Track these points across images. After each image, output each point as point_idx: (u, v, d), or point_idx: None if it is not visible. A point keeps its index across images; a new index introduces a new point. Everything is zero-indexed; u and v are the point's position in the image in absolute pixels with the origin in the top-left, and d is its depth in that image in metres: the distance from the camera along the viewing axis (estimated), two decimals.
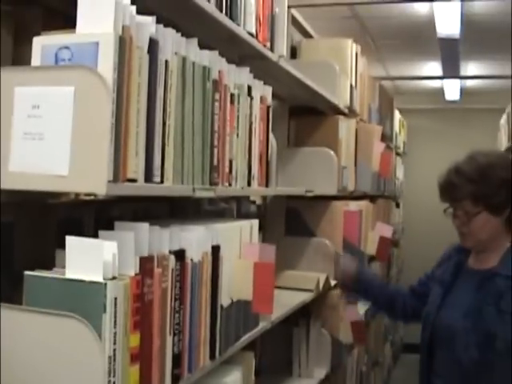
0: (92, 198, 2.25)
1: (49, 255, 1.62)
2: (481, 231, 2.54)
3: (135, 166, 1.53)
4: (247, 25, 2.31)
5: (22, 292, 1.51)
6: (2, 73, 1.49)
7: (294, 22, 4.09)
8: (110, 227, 1.60)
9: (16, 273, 1.60)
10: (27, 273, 1.49)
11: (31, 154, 1.45)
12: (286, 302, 2.93)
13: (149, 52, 1.60)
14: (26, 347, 1.46)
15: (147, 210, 2.33)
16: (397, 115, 7.06)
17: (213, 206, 3.04)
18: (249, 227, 2.27)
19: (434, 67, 7.22)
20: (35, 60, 1.53)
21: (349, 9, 5.12)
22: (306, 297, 3.14)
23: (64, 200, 2.08)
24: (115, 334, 1.44)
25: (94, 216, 2.12)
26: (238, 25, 2.23)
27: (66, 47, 1.49)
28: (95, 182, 1.38)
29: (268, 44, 2.54)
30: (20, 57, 1.73)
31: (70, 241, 1.45)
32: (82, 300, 1.42)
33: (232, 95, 2.10)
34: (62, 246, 1.52)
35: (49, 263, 1.58)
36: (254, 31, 2.36)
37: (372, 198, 4.64)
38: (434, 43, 5.87)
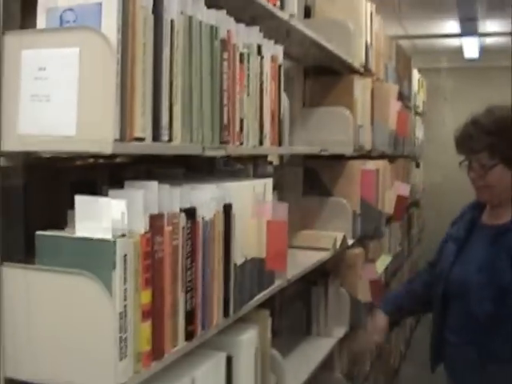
0: (105, 160, 2.29)
1: (61, 217, 1.64)
2: (496, 184, 2.55)
3: (142, 125, 1.55)
4: None
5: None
6: (9, 37, 1.51)
7: None
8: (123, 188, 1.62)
9: (29, 234, 1.63)
10: (38, 232, 1.52)
11: (39, 115, 1.47)
12: (303, 261, 2.95)
13: (153, 12, 1.60)
14: (38, 306, 1.49)
15: (162, 172, 2.35)
16: (415, 75, 7.00)
17: (228, 166, 3.04)
18: (262, 186, 2.28)
19: (452, 25, 7.16)
20: (40, 23, 1.54)
21: None
22: (323, 256, 3.16)
23: (77, 163, 2.11)
24: (125, 290, 1.46)
25: (107, 178, 2.14)
26: None
27: (70, 9, 1.50)
28: (102, 142, 1.40)
29: (278, 3, 2.53)
30: (28, 21, 1.74)
31: (79, 200, 1.48)
32: (92, 258, 1.45)
33: (241, 54, 2.10)
34: (74, 208, 1.54)
35: (61, 225, 1.60)
36: None
37: (391, 158, 4.63)
38: (452, 0, 5.81)
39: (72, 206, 1.56)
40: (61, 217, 1.65)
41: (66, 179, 1.96)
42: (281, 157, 3.83)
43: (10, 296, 1.52)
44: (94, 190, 2.03)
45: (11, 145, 1.50)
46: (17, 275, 1.52)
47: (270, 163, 3.82)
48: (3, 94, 1.51)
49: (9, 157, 1.54)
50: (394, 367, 5.72)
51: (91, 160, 2.22)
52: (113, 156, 2.30)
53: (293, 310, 3.54)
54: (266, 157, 3.78)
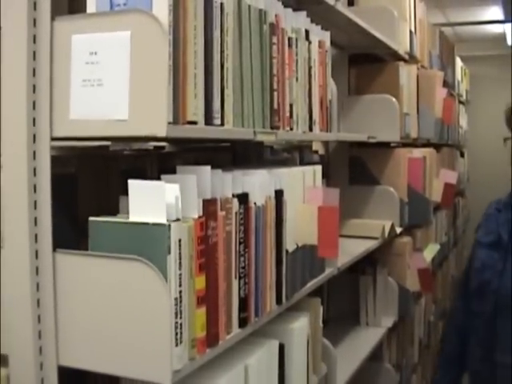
0: (155, 148, 2.28)
1: (112, 204, 1.64)
2: None
3: (195, 108, 1.53)
4: None
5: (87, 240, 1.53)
6: (58, 22, 1.50)
7: None
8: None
9: (80, 222, 1.62)
10: (92, 218, 1.51)
11: (91, 100, 1.45)
12: (351, 249, 2.92)
13: None
14: (91, 292, 1.48)
15: (210, 159, 2.34)
16: (458, 63, 6.91)
17: (275, 156, 3.03)
18: (312, 172, 2.26)
19: (495, 12, 7.06)
20: (90, 7, 1.53)
21: None
22: (371, 244, 3.12)
23: (127, 151, 2.10)
24: (180, 275, 1.45)
25: (157, 166, 2.13)
26: None
27: None
28: (155, 125, 1.38)
29: None
30: (76, 7, 1.73)
31: (133, 184, 1.46)
32: (147, 243, 1.43)
33: (290, 39, 2.08)
34: (126, 194, 1.53)
35: (112, 212, 1.59)
36: None
37: (436, 147, 4.57)
38: None
39: (123, 193, 1.55)
40: (112, 204, 1.64)
41: (116, 167, 1.95)
42: (326, 146, 3.81)
43: (64, 283, 1.51)
44: (144, 177, 2.03)
45: (63, 130, 1.49)
46: (70, 262, 1.50)
47: (316, 152, 3.80)
48: (54, 79, 1.50)
49: (59, 145, 1.54)
50: None
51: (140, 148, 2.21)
52: (161, 147, 2.29)
53: (341, 300, 3.52)
54: (311, 146, 3.76)
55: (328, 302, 3.47)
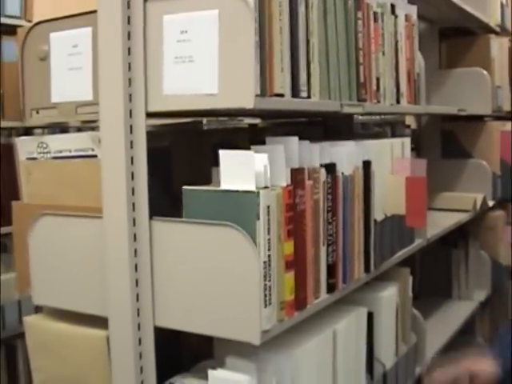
0: (249, 122, 2.35)
1: (205, 175, 1.72)
2: None
3: (281, 81, 1.59)
4: None
5: (181, 209, 1.61)
6: (150, 3, 1.58)
7: None
8: None
9: (175, 193, 1.71)
10: (185, 187, 1.59)
11: (182, 76, 1.53)
12: (442, 222, 2.94)
13: None
14: (186, 257, 1.57)
15: (300, 133, 2.40)
16: None
17: (366, 130, 3.07)
18: (400, 144, 2.30)
19: None
20: None
21: None
22: (463, 217, 3.14)
23: (219, 126, 2.19)
24: (269, 240, 1.52)
25: (248, 140, 2.20)
26: None
27: None
28: (243, 97, 1.45)
29: None
30: None
31: (224, 154, 1.54)
32: (237, 209, 1.51)
33: (375, 13, 2.12)
34: (217, 166, 1.61)
35: (205, 182, 1.67)
36: None
37: None
38: None
39: (215, 165, 1.63)
40: (205, 175, 1.72)
41: (208, 141, 2.04)
42: (418, 120, 3.82)
43: (160, 249, 1.61)
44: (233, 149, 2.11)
45: (158, 105, 1.58)
46: (166, 229, 1.60)
47: (408, 126, 3.82)
48: (148, 57, 1.58)
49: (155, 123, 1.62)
50: None
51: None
52: (253, 125, 2.37)
53: (433, 273, 3.55)
54: (403, 121, 3.79)
55: (421, 275, 3.50)
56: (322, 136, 2.64)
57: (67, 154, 1.79)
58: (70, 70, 1.76)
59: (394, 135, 3.45)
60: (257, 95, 1.46)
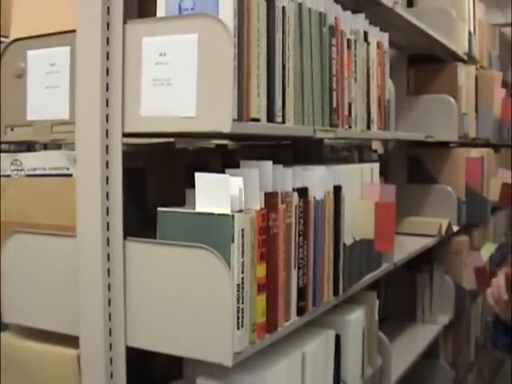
0: (217, 146, 2.38)
1: (178, 197, 1.73)
2: None
3: (258, 106, 1.62)
4: None
5: (155, 229, 1.62)
6: (130, 25, 1.60)
7: None
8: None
9: (148, 213, 1.73)
10: (160, 209, 1.60)
11: (160, 98, 1.55)
12: (408, 246, 2.98)
13: None
14: (159, 278, 1.58)
15: (271, 156, 2.42)
16: None
17: (335, 154, 3.11)
18: (369, 170, 2.33)
19: None
20: (160, 11, 1.63)
21: None
22: (428, 242, 3.18)
23: (192, 147, 2.20)
24: (243, 263, 1.53)
25: (220, 162, 2.23)
26: None
27: None
28: (221, 121, 1.47)
29: None
30: (146, 10, 1.84)
31: (199, 177, 1.56)
32: (211, 232, 1.52)
33: (348, 40, 2.16)
34: (191, 186, 1.63)
35: (178, 203, 1.69)
36: None
37: (494, 147, 4.58)
38: None
39: (188, 186, 1.65)
40: (177, 196, 1.73)
41: (180, 162, 2.05)
42: (385, 145, 3.87)
43: (134, 269, 1.61)
44: (208, 172, 2.13)
45: (134, 126, 1.60)
46: (140, 249, 1.61)
47: (375, 151, 3.87)
48: (126, 78, 1.60)
49: (129, 142, 1.64)
50: (499, 359, 5.65)
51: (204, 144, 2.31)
52: (224, 145, 2.39)
53: (398, 296, 3.58)
54: (370, 145, 3.83)
55: (385, 298, 3.53)
56: (292, 159, 2.66)
57: (41, 171, 1.79)
58: (46, 88, 1.76)
59: (361, 160, 3.49)
60: (234, 119, 1.48)
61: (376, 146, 4.06)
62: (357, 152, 3.51)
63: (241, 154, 2.41)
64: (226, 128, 1.47)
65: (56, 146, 1.94)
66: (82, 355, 1.67)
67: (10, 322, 1.85)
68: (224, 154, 2.30)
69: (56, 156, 1.77)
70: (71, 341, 1.69)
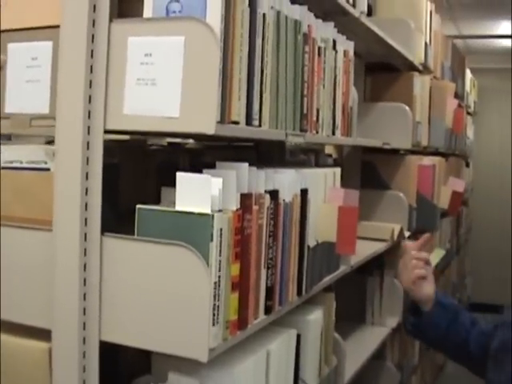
0: (186, 145, 2.41)
1: (149, 194, 1.76)
2: None
3: (238, 109, 1.66)
4: None
5: (130, 225, 1.65)
6: (116, 24, 1.63)
7: None
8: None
9: (122, 208, 1.75)
10: (140, 206, 1.63)
11: (144, 98, 1.58)
12: (362, 250, 3.04)
13: (249, 5, 1.71)
14: (137, 274, 1.61)
15: (236, 157, 2.46)
16: (468, 74, 7.05)
17: (294, 157, 3.16)
18: (332, 174, 2.39)
19: (506, 26, 7.19)
20: (147, 12, 1.66)
21: None
22: (380, 246, 3.25)
23: (162, 145, 2.24)
24: (220, 262, 1.58)
25: (188, 161, 2.26)
26: None
27: (176, 0, 1.62)
28: (204, 123, 1.51)
29: (351, 0, 2.64)
30: (128, 9, 1.86)
31: (181, 177, 1.59)
32: (191, 231, 1.56)
33: (319, 48, 2.21)
34: (164, 185, 1.67)
35: (152, 200, 1.72)
36: None
37: (444, 156, 4.70)
38: (507, 1, 5.85)
39: (162, 184, 1.69)
40: (149, 193, 1.77)
41: (151, 160, 2.09)
42: (339, 150, 3.94)
43: (110, 265, 1.64)
44: (176, 170, 2.17)
45: (116, 124, 1.62)
46: (117, 245, 1.63)
47: (329, 156, 3.94)
48: (110, 77, 1.63)
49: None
50: (439, 363, 5.79)
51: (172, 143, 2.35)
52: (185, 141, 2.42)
53: (348, 299, 3.64)
54: (323, 150, 3.90)
55: (336, 300, 3.59)
56: (256, 159, 2.71)
57: (18, 164, 1.80)
58: (27, 82, 1.78)
59: (317, 163, 3.56)
60: (217, 122, 1.52)
61: (329, 150, 4.13)
62: (313, 156, 3.57)
63: (208, 154, 2.45)
64: (210, 130, 1.51)
65: (33, 139, 1.95)
66: (53, 348, 1.68)
67: None
68: (191, 153, 2.33)
69: (34, 149, 1.78)
70: (42, 334, 1.71)
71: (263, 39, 1.79)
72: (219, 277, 1.58)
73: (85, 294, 1.65)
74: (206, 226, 1.55)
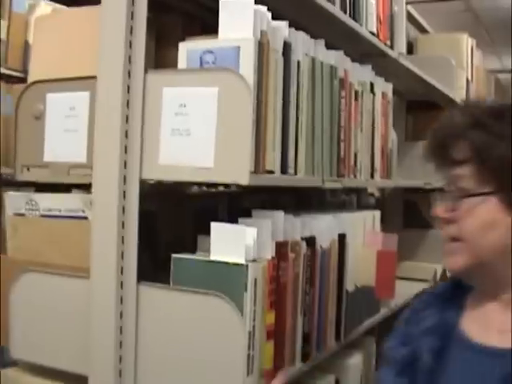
0: (224, 189, 2.42)
1: (187, 241, 1.77)
2: (480, 238, 1.35)
3: (273, 158, 1.67)
4: (369, 24, 2.43)
5: (166, 273, 1.66)
6: (151, 75, 1.65)
7: (410, 17, 4.15)
8: (244, 216, 1.73)
9: (159, 255, 1.76)
10: (175, 255, 1.64)
11: (179, 148, 1.60)
12: (404, 291, 3.01)
13: (283, 54, 1.73)
14: (172, 322, 1.62)
15: (275, 201, 2.47)
16: None
17: (335, 198, 3.15)
18: (371, 217, 2.38)
19: None
20: (181, 63, 1.68)
21: (463, 2, 5.14)
22: (423, 287, 3.21)
23: (200, 192, 2.25)
24: (255, 311, 1.58)
25: (226, 206, 2.27)
26: (361, 25, 2.34)
27: (210, 51, 1.63)
28: (238, 173, 1.52)
29: (388, 42, 2.64)
30: (161, 60, 1.89)
31: (215, 226, 1.60)
32: (225, 280, 1.56)
33: (356, 92, 2.22)
34: (201, 232, 1.68)
35: (189, 248, 1.73)
36: (375, 30, 2.48)
37: None
38: None
39: (199, 230, 1.70)
40: (187, 241, 1.78)
41: (190, 206, 2.09)
42: (382, 189, 3.92)
43: (146, 313, 1.65)
44: (216, 216, 2.18)
45: (152, 174, 1.64)
46: (153, 294, 1.65)
47: (372, 195, 3.92)
48: (145, 127, 1.65)
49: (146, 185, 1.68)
50: None
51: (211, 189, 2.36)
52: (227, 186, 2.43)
53: None
54: (366, 189, 3.88)
55: (379, 341, 3.55)
56: (295, 203, 2.71)
57: (56, 213, 1.83)
58: (65, 131, 1.81)
59: (359, 203, 3.54)
60: (251, 172, 1.53)
61: (371, 188, 4.11)
62: (355, 195, 3.55)
63: (246, 199, 2.45)
64: (244, 180, 1.51)
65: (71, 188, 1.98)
66: None
67: (18, 358, 1.88)
68: (231, 199, 2.34)
69: (72, 198, 1.81)
70: (78, 380, 1.72)
71: (298, 87, 1.80)
72: (254, 326, 1.58)
73: (121, 342, 1.66)
74: (240, 275, 1.55)
